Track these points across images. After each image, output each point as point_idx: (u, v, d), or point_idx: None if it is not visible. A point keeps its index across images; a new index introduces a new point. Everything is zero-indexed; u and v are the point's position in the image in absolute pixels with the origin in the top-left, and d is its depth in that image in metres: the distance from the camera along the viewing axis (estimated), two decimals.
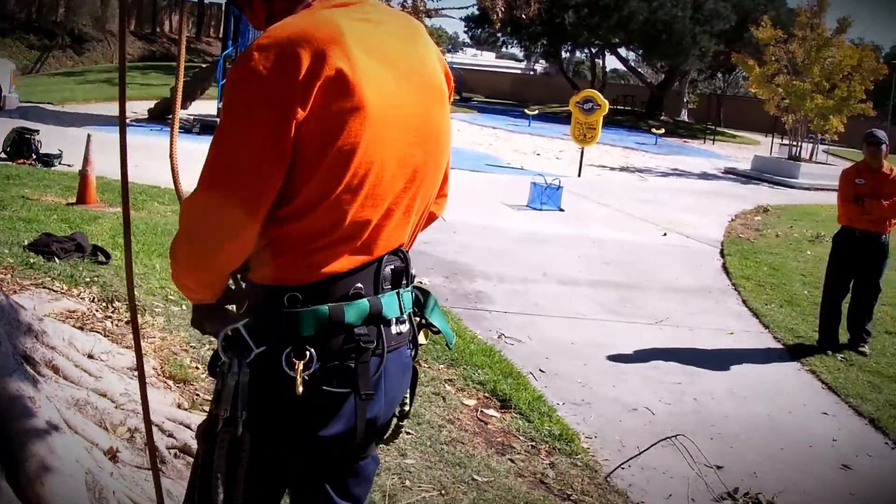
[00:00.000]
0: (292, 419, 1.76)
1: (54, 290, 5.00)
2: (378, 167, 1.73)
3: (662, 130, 31.89)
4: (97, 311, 4.84)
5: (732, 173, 23.22)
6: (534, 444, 4.72)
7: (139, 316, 3.87)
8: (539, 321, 7.18)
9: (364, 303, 1.80)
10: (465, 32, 57.37)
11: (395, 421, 2.03)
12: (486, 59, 72.76)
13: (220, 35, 34.35)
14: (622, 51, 45.92)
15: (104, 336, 4.37)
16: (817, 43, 22.46)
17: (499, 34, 45.64)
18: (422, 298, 2.02)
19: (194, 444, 3.04)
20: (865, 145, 7.32)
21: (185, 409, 3.95)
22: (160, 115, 18.60)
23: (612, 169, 20.99)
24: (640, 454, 4.69)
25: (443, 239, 9.51)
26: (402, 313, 1.88)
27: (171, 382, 4.22)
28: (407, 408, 2.07)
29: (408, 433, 4.33)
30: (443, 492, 3.87)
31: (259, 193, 1.64)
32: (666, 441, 4.79)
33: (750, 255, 11.04)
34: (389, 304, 1.85)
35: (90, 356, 3.94)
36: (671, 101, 42.56)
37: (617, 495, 4.36)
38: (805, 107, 21.98)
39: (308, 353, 1.72)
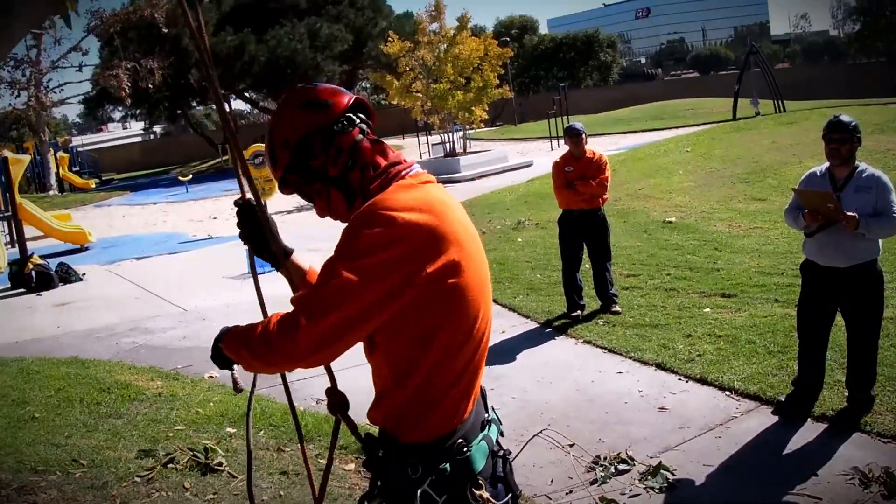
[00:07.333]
0: None
1: None
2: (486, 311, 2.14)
3: None
4: None
5: None
6: None
7: None
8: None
9: (495, 424, 2.21)
10: (85, 115, 55.19)
11: None
12: (111, 133, 70.47)
13: None
14: (248, 93, 46.38)
15: None
16: (443, 44, 24.45)
17: (120, 109, 44.97)
18: None
19: None
20: (567, 137, 8.52)
21: None
22: None
23: (290, 212, 21.25)
24: (516, 455, 5.26)
25: (197, 329, 9.56)
26: None
27: None
28: None
29: None
30: None
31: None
32: (522, 439, 5.41)
33: None
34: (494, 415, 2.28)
35: None
36: None
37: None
38: (448, 105, 23.81)
39: (481, 480, 2.05)
